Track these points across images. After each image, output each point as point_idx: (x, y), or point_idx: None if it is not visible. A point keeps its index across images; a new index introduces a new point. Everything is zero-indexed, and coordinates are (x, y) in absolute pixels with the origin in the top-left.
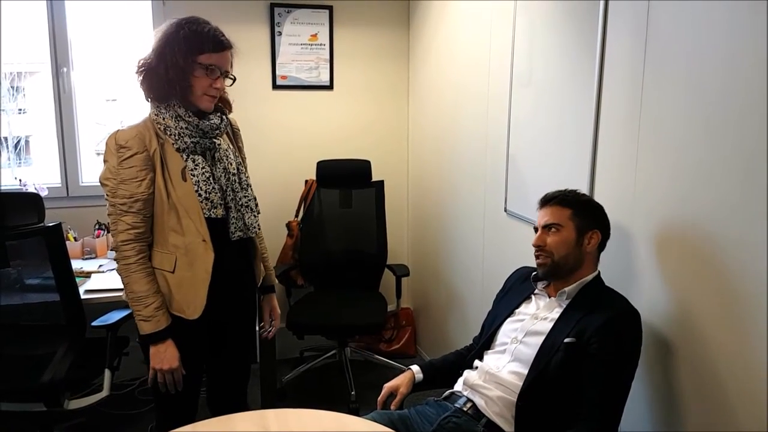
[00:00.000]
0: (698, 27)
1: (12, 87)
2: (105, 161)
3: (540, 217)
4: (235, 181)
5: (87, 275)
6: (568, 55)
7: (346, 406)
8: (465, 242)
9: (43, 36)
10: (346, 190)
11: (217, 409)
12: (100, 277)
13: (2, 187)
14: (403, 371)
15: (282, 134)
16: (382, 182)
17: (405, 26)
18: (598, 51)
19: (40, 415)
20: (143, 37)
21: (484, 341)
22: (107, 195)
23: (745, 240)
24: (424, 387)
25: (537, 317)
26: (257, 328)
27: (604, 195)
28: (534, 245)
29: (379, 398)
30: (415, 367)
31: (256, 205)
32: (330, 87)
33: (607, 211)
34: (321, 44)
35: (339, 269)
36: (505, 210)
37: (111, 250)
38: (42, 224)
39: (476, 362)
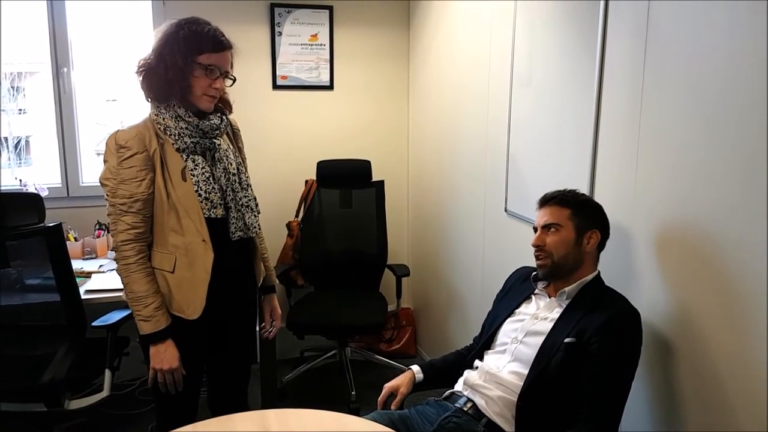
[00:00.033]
0: (698, 27)
1: (12, 87)
2: (105, 161)
3: (539, 217)
4: (235, 181)
5: (87, 275)
6: (568, 55)
7: (346, 406)
8: (465, 242)
9: (44, 36)
10: (346, 190)
11: (218, 409)
12: (100, 277)
13: (2, 188)
14: (403, 371)
15: (282, 134)
16: (382, 182)
17: (405, 26)
18: (599, 51)
19: (41, 415)
20: (143, 37)
21: (485, 341)
22: (107, 195)
23: (745, 240)
24: (425, 387)
25: (537, 317)
26: (258, 329)
27: (604, 195)
28: (533, 245)
29: (379, 398)
30: (415, 367)
31: (256, 205)
32: (330, 87)
33: (607, 211)
34: (321, 44)
35: (339, 269)
36: (506, 210)
37: (111, 250)
38: (42, 224)
39: (476, 362)
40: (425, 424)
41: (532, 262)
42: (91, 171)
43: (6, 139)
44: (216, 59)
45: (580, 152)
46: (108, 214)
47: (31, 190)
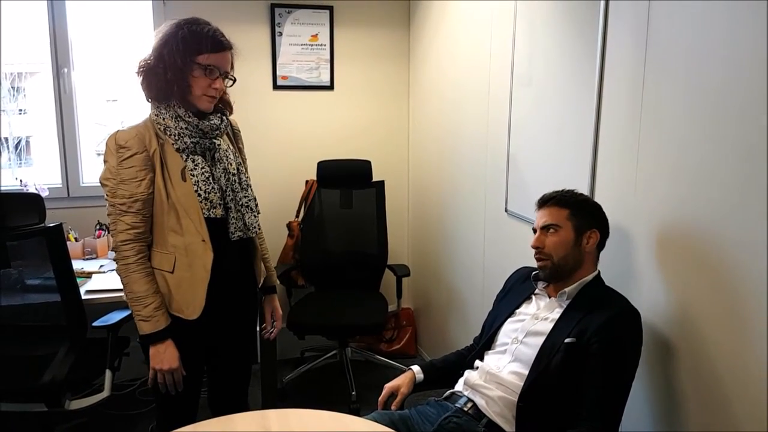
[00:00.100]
0: (698, 27)
1: (12, 87)
2: (105, 161)
3: (538, 218)
4: (234, 181)
5: (88, 275)
6: (568, 55)
7: (346, 406)
8: (466, 242)
9: (44, 36)
10: (346, 190)
11: (218, 409)
12: (100, 277)
13: (3, 188)
14: (403, 371)
15: (282, 134)
16: (382, 182)
17: (405, 26)
18: (599, 51)
19: (41, 415)
20: (144, 38)
21: (485, 341)
22: (107, 195)
23: (745, 240)
24: (425, 387)
25: (537, 317)
26: (258, 329)
27: (604, 195)
28: (533, 247)
29: (379, 398)
30: (415, 367)
31: (256, 205)
32: (330, 87)
33: (607, 211)
34: (321, 44)
35: (339, 269)
36: (506, 210)
37: (111, 250)
38: (43, 225)
39: (477, 362)
40: (425, 424)
41: (533, 262)
42: (91, 171)
43: (6, 139)
44: (215, 59)
45: (581, 152)
46: (108, 214)
47: (32, 190)
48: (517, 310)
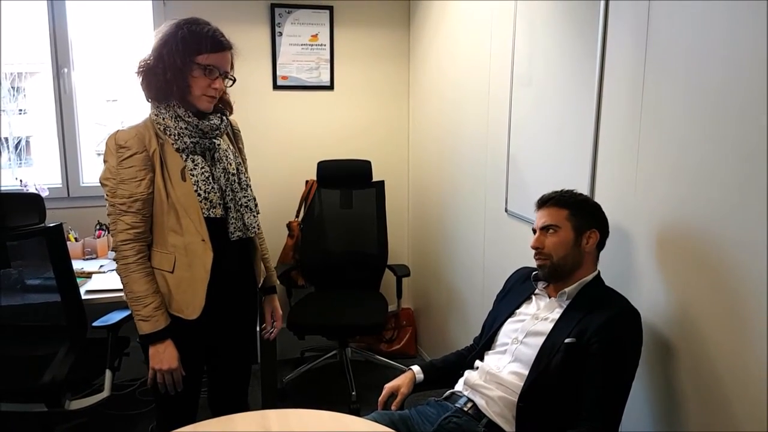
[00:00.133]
0: (698, 27)
1: (12, 87)
2: (105, 161)
3: (537, 218)
4: (234, 181)
5: (88, 276)
6: (568, 55)
7: (346, 406)
8: (466, 242)
9: (44, 36)
10: (346, 190)
11: (218, 409)
12: (100, 277)
13: (3, 188)
14: (403, 371)
15: (282, 134)
16: (382, 182)
17: (405, 26)
18: (599, 51)
19: (41, 415)
20: (144, 38)
21: (485, 342)
22: (107, 195)
23: (745, 240)
24: (425, 387)
25: (537, 317)
26: (258, 329)
27: (604, 195)
28: (532, 247)
29: (379, 398)
30: (415, 368)
31: (256, 205)
32: (330, 87)
33: (607, 211)
34: (321, 44)
35: (340, 269)
36: (506, 210)
37: (111, 250)
38: (43, 225)
39: (477, 362)
40: (425, 425)
41: (533, 262)
42: (91, 171)
43: (6, 139)
44: (215, 59)
45: (581, 152)
46: (108, 214)
47: (32, 190)
48: (517, 311)
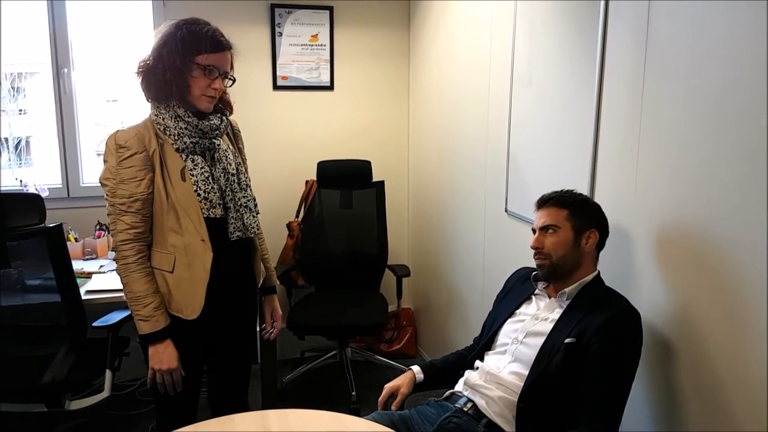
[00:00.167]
0: (698, 27)
1: (12, 88)
2: (105, 161)
3: (537, 218)
4: (234, 181)
5: (88, 276)
6: (568, 55)
7: (346, 406)
8: (466, 242)
9: (44, 36)
10: (346, 190)
11: (218, 409)
12: (100, 277)
13: (3, 188)
14: (403, 371)
15: (282, 135)
16: (382, 182)
17: (405, 27)
18: (599, 51)
19: (41, 415)
20: (144, 38)
21: (485, 342)
22: (107, 195)
23: (745, 240)
24: (425, 387)
25: (537, 318)
26: (258, 329)
27: (604, 195)
28: (532, 247)
29: (379, 398)
30: (415, 368)
31: (255, 205)
32: (330, 87)
33: (607, 211)
34: (321, 45)
35: (340, 269)
36: (506, 210)
37: (111, 250)
38: (43, 225)
39: (477, 363)
40: (425, 425)
41: (533, 263)
42: (91, 171)
43: (6, 139)
44: (214, 59)
45: (581, 152)
46: (108, 214)
47: (32, 190)
48: (517, 311)
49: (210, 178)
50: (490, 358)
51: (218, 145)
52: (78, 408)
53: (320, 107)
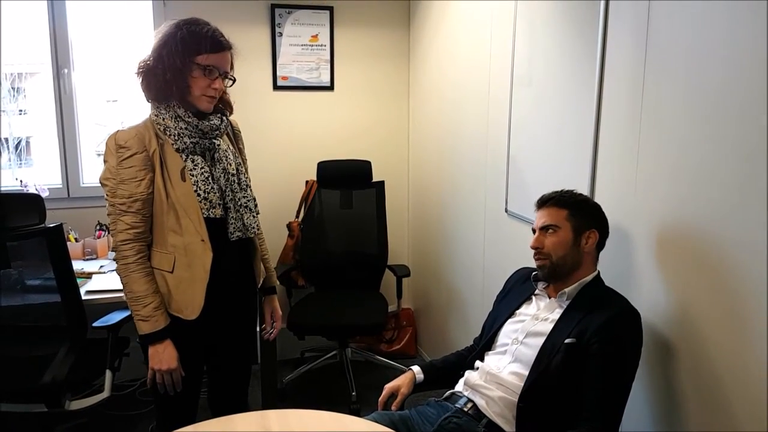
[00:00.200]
0: (698, 27)
1: (13, 88)
2: (105, 161)
3: (537, 218)
4: (234, 181)
5: (88, 276)
6: (568, 55)
7: (347, 406)
8: (466, 243)
9: (44, 37)
10: (346, 190)
11: (218, 409)
12: (101, 277)
13: (3, 188)
14: (403, 372)
15: (283, 135)
16: (382, 183)
17: (405, 27)
18: (599, 51)
19: (41, 415)
20: (144, 38)
21: (485, 342)
22: (107, 195)
23: (745, 240)
24: (425, 387)
25: (537, 318)
26: (258, 330)
27: (604, 195)
28: (532, 247)
29: (380, 399)
30: (416, 368)
31: (255, 205)
32: (330, 88)
33: (607, 211)
34: (322, 45)
35: (340, 270)
36: (506, 210)
37: (111, 250)
38: (43, 225)
39: (477, 363)
40: (426, 425)
41: (533, 263)
42: (91, 171)
43: (6, 139)
44: (214, 60)
45: (581, 152)
46: (108, 214)
47: (32, 190)
48: (517, 311)
49: (210, 179)
50: (490, 358)
51: (218, 145)
52: (78, 408)
53: (320, 107)
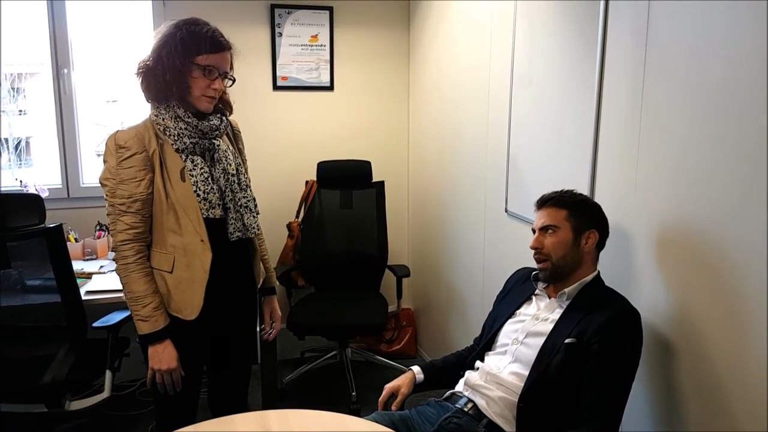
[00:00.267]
0: (698, 27)
1: (12, 88)
2: (104, 162)
3: (537, 218)
4: (234, 181)
5: (88, 276)
6: (568, 55)
7: (347, 406)
8: (466, 243)
9: (44, 37)
10: (346, 190)
11: (219, 409)
12: (101, 278)
13: (3, 188)
14: (404, 372)
15: (282, 135)
16: (382, 183)
17: (405, 27)
18: (599, 51)
19: (41, 416)
20: (144, 38)
21: (485, 342)
22: (106, 195)
23: (745, 240)
24: (425, 387)
25: (537, 318)
26: (258, 330)
27: (604, 195)
28: (532, 247)
29: (380, 399)
30: (416, 368)
31: (255, 205)
32: (330, 88)
33: (607, 211)
34: (321, 45)
35: (340, 270)
36: (506, 210)
37: (111, 250)
38: (43, 225)
39: (477, 363)
40: (426, 425)
41: (533, 263)
42: (91, 172)
43: (6, 140)
44: (214, 60)
45: (581, 152)
46: (107, 214)
47: (32, 190)
48: (518, 311)
49: (209, 179)
50: (490, 358)
51: (218, 145)
52: (78, 408)
53: (320, 107)
